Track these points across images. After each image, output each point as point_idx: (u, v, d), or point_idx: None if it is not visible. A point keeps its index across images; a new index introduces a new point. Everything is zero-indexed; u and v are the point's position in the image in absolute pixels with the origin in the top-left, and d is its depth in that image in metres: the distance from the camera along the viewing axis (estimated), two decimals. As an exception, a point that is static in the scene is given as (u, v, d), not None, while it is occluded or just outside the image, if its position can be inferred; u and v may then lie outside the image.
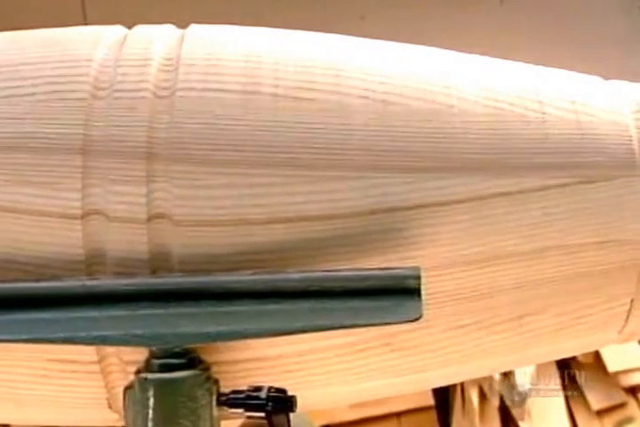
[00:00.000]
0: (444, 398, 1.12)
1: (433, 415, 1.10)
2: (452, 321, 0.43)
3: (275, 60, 0.44)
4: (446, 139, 0.42)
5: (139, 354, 0.42)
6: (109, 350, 0.43)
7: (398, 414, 1.10)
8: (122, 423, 0.49)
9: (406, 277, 0.39)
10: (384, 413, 1.09)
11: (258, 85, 0.43)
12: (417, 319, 0.38)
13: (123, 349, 0.42)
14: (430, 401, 1.10)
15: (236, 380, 0.43)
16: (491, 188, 0.42)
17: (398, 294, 0.39)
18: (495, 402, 1.06)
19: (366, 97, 0.43)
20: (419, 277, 0.39)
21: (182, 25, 0.49)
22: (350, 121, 0.42)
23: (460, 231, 0.42)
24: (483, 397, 1.07)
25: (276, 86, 0.43)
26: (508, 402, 1.06)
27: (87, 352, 0.43)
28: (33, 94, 0.43)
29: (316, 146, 0.42)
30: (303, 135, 0.42)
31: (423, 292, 0.38)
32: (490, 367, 0.49)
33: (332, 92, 0.43)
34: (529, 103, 0.44)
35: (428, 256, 0.42)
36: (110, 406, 0.46)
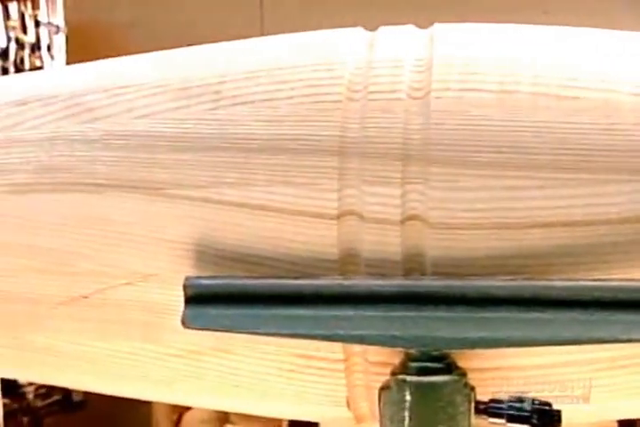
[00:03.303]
0: (629, 423, 1.04)
1: (616, 440, 1.02)
2: None
3: (532, 57, 0.42)
4: None
5: (385, 355, 0.42)
6: (355, 349, 0.43)
7: (577, 437, 1.02)
8: (354, 423, 0.50)
9: (690, 291, 0.35)
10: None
11: (516, 84, 0.41)
12: None
13: (369, 349, 0.43)
14: (614, 425, 1.02)
15: (480, 388, 0.42)
16: None
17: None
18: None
19: (638, 94, 0.40)
20: None
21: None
22: (619, 120, 0.39)
23: None
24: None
25: (536, 84, 0.41)
26: None
27: (334, 350, 0.43)
28: (291, 97, 0.44)
29: (580, 147, 0.39)
30: (566, 136, 0.40)
31: None
32: None
33: (598, 90, 0.40)
34: None
35: None
36: (348, 405, 0.47)
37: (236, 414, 1.70)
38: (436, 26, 0.48)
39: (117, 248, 0.45)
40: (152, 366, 0.48)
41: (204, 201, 0.43)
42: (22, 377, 0.59)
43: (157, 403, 1.80)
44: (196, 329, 0.41)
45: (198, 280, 0.41)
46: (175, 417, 1.91)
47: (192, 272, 0.43)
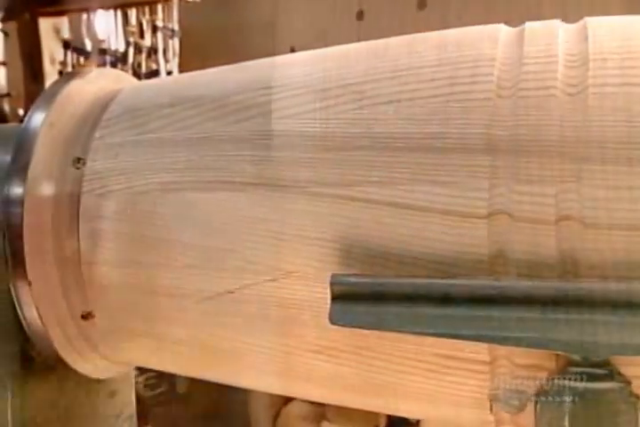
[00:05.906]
0: None
1: None
2: None
3: (698, 50, 0.40)
4: None
5: (534, 358, 0.41)
6: (501, 351, 0.42)
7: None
8: None
9: None
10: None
11: (682, 79, 0.39)
12: None
13: (516, 351, 0.42)
14: None
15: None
16: None
17: None
18: None
19: None
20: None
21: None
22: None
23: None
24: None
25: None
26: None
27: (479, 352, 0.43)
28: (435, 96, 0.44)
29: None
30: None
31: None
32: None
33: None
34: None
35: None
36: (490, 408, 0.46)
37: (333, 411, 1.71)
38: (586, 19, 0.46)
39: (262, 245, 0.46)
40: (290, 361, 0.49)
41: (348, 199, 0.44)
42: (153, 366, 0.61)
43: (256, 397, 1.83)
44: (342, 326, 0.41)
45: (345, 278, 0.42)
46: (273, 412, 1.94)
47: (335, 270, 0.43)
